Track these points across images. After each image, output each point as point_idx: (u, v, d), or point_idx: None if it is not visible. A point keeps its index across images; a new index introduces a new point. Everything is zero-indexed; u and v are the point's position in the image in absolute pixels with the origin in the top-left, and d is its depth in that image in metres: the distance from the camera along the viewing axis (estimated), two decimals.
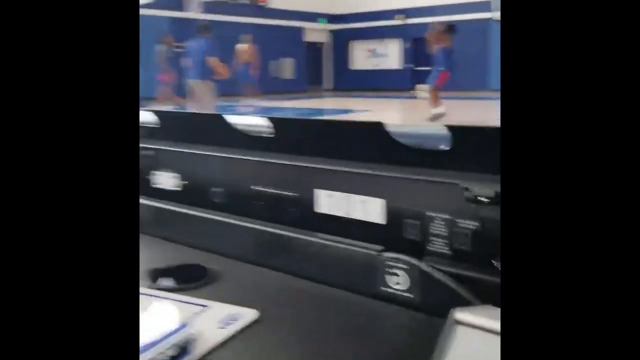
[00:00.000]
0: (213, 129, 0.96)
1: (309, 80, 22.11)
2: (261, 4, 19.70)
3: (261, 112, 13.05)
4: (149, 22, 14.98)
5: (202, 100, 7.95)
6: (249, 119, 0.93)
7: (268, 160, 0.87)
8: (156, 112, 1.03)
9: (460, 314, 0.43)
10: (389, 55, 21.70)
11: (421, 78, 20.38)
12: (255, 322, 0.66)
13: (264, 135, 0.87)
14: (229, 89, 13.60)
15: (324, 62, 23.45)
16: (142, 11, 14.20)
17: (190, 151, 0.99)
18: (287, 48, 20.98)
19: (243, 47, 12.94)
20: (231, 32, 14.77)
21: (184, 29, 12.79)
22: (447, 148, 0.67)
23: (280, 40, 20.43)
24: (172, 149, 1.03)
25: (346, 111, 14.08)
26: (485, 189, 0.64)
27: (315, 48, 22.72)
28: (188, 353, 0.59)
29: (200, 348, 0.60)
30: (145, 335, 0.62)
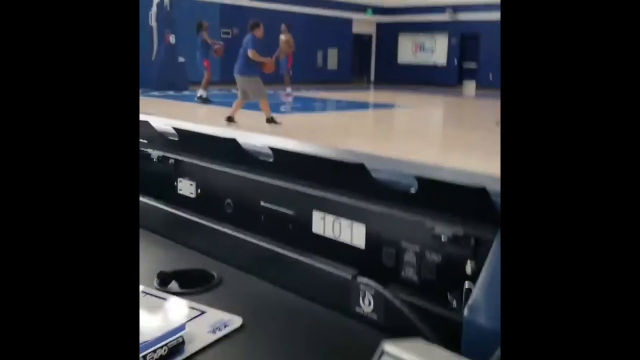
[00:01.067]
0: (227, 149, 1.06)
1: (354, 71, 22.09)
2: None
3: (303, 103, 13.17)
4: (200, 8, 15.26)
5: (250, 96, 8.16)
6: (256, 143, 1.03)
7: (271, 181, 0.98)
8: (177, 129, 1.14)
9: (388, 346, 0.52)
10: (436, 50, 21.46)
11: (467, 75, 20.17)
12: (241, 328, 0.76)
13: (268, 159, 0.97)
14: (273, 78, 13.79)
15: (370, 53, 23.36)
16: None
17: (207, 165, 1.10)
18: (334, 38, 21.00)
19: (283, 37, 13.14)
20: (278, 21, 14.93)
21: (233, 16, 12.97)
22: (417, 191, 0.76)
23: (329, 30, 20.47)
24: (192, 161, 1.14)
25: (390, 105, 14.06)
26: (446, 230, 0.72)
27: (362, 39, 22.65)
28: (180, 353, 0.70)
29: (190, 349, 0.70)
30: (146, 333, 0.74)
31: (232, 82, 8.58)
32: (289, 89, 13.72)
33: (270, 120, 8.30)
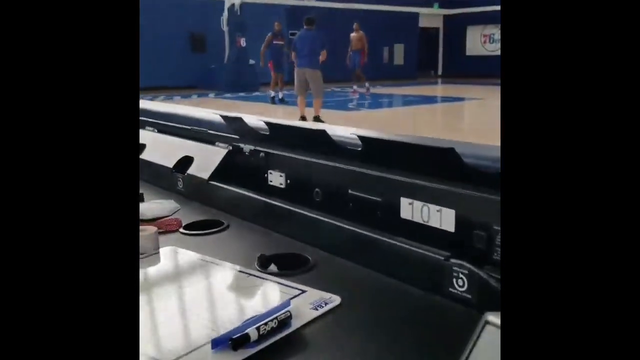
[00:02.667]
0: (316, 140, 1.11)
1: (421, 65, 21.81)
2: None
3: (371, 99, 13.16)
4: (268, 11, 15.55)
5: (311, 88, 8.32)
6: (342, 133, 1.08)
7: (361, 170, 1.02)
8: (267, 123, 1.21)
9: (491, 316, 0.56)
10: None
11: None
12: (339, 306, 0.81)
13: (356, 149, 1.02)
14: (338, 75, 13.89)
15: (437, 47, 23.00)
16: (262, 0, 14.78)
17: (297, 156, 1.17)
18: (400, 34, 20.83)
19: (355, 35, 13.27)
20: (347, 19, 14.98)
21: (300, 16, 13.10)
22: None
23: (395, 26, 20.32)
24: (282, 153, 1.21)
25: (459, 99, 13.80)
26: None
27: (429, 33, 22.33)
28: (288, 326, 0.76)
29: (296, 324, 0.76)
30: (255, 309, 0.80)
31: None
32: (355, 87, 13.81)
33: (318, 119, 8.39)
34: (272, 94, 12.04)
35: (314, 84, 8.29)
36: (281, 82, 12.09)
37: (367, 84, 13.80)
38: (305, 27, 8.52)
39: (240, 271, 0.95)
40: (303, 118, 8.41)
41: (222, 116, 1.35)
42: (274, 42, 11.79)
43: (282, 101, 11.95)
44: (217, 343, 0.70)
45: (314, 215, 1.07)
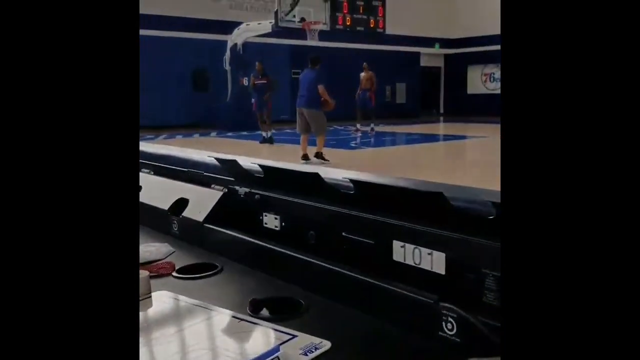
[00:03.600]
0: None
1: (423, 104, 22.05)
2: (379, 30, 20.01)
3: (373, 138, 13.25)
4: (271, 50, 15.83)
5: (312, 128, 8.36)
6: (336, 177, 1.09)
7: (354, 213, 1.03)
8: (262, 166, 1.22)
9: None
10: None
11: None
12: (330, 351, 0.80)
13: (349, 192, 1.03)
14: (341, 114, 14.02)
15: (439, 86, 23.30)
16: (265, 39, 15.06)
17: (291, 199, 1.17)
18: (402, 73, 21.12)
19: (364, 75, 13.49)
20: (349, 58, 15.18)
21: (303, 56, 13.40)
22: (495, 217, 0.79)
23: (397, 65, 20.63)
24: (276, 196, 1.21)
25: (461, 137, 13.88)
26: None
27: (430, 72, 22.65)
28: None
29: None
30: (245, 355, 0.80)
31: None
32: (359, 125, 13.94)
33: (320, 156, 8.40)
34: (264, 134, 12.02)
35: (313, 124, 8.31)
36: (268, 120, 12.06)
37: (372, 125, 13.94)
38: (309, 66, 8.60)
39: (232, 316, 0.95)
40: (305, 157, 8.43)
41: (217, 159, 1.36)
42: (256, 82, 11.87)
43: (268, 140, 11.85)
44: None
45: (308, 259, 1.07)
